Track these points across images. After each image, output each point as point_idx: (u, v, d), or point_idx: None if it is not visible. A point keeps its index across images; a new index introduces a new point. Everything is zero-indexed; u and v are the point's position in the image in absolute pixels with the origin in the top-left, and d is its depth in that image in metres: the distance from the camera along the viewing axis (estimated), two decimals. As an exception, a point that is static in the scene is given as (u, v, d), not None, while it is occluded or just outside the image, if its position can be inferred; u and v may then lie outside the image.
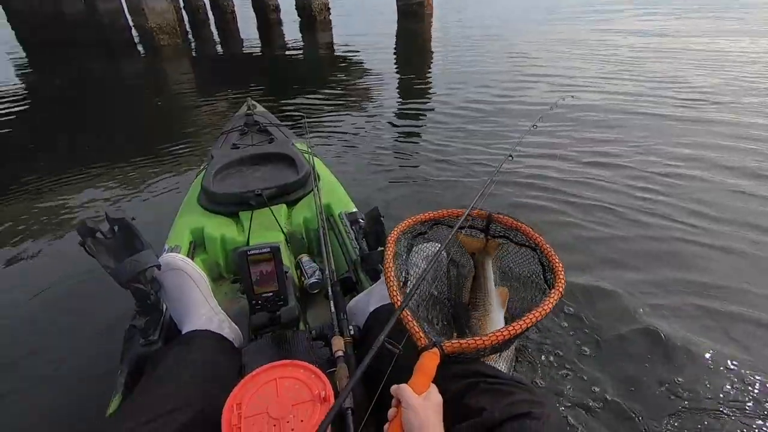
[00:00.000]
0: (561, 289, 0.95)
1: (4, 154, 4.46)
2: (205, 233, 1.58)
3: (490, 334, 0.86)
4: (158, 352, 1.01)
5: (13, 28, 16.58)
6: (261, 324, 1.20)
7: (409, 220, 1.21)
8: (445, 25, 10.86)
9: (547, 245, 1.10)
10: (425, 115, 4.47)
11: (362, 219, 1.46)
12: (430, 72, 6.54)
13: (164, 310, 1.19)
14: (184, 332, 1.07)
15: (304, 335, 1.14)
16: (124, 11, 10.99)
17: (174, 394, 0.82)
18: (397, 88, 5.75)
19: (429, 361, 0.82)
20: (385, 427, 0.72)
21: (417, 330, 0.88)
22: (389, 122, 4.32)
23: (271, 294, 1.12)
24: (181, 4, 15.54)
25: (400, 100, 5.17)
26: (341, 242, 1.55)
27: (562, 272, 1.00)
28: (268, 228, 1.60)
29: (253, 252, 1.10)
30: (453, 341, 0.85)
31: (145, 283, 1.05)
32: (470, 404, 0.78)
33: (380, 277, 1.30)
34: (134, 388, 0.89)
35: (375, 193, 2.89)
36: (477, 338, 0.86)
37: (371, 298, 1.17)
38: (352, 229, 1.49)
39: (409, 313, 0.91)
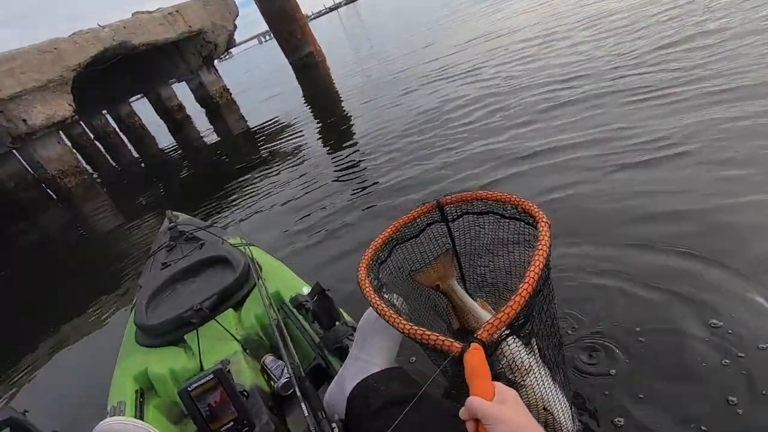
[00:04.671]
0: (545, 219, 0.92)
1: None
2: (150, 374, 1.40)
3: (514, 297, 0.78)
4: None
5: None
6: (236, 460, 1.04)
7: (369, 251, 1.14)
8: (341, 67, 11.20)
9: (506, 194, 1.05)
10: (352, 158, 4.36)
11: (307, 300, 1.33)
12: (343, 112, 6.60)
13: (120, 493, 1.00)
14: None
15: (288, 451, 0.99)
16: (27, 169, 10.54)
17: None
18: (318, 139, 5.71)
19: (476, 359, 0.69)
20: None
21: (443, 339, 0.77)
22: (318, 179, 4.12)
23: (231, 424, 0.97)
24: (92, 136, 15.24)
25: (323, 151, 5.10)
26: (300, 328, 1.41)
27: (535, 207, 0.97)
28: (220, 340, 1.45)
29: (194, 385, 0.96)
30: (483, 326, 0.75)
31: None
32: None
33: (348, 353, 1.18)
34: None
35: (324, 261, 2.62)
36: (504, 309, 0.77)
37: (345, 380, 1.04)
38: (301, 312, 1.36)
39: (423, 329, 0.81)
